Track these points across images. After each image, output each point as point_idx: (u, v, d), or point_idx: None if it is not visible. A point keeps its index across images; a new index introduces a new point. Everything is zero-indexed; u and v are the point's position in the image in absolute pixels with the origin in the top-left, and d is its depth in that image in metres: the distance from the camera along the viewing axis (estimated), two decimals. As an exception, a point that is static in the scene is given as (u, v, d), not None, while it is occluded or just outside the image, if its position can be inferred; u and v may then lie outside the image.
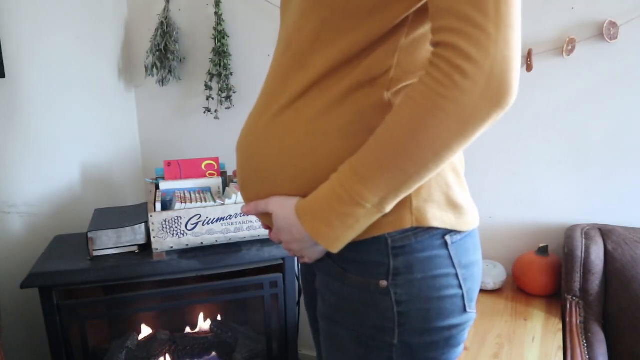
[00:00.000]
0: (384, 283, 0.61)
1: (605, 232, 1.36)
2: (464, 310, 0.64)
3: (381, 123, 0.56)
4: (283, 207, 0.63)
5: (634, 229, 1.36)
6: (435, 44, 0.51)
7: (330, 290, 0.66)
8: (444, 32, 0.49)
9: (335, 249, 0.60)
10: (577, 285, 1.32)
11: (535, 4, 1.39)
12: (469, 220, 0.65)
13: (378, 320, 0.62)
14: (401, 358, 0.63)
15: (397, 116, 0.53)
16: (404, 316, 0.61)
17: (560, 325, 1.30)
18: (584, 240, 1.34)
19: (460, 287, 0.63)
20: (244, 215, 1.35)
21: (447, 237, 0.62)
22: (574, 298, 1.32)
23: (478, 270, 0.66)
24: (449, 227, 0.62)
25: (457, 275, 0.62)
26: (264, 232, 1.40)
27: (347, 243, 0.60)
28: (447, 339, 0.63)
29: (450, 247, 0.62)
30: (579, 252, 1.33)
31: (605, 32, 1.33)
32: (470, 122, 0.50)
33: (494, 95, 0.48)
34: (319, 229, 0.59)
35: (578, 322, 1.28)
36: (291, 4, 0.65)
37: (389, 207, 0.57)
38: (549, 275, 1.42)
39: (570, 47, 1.38)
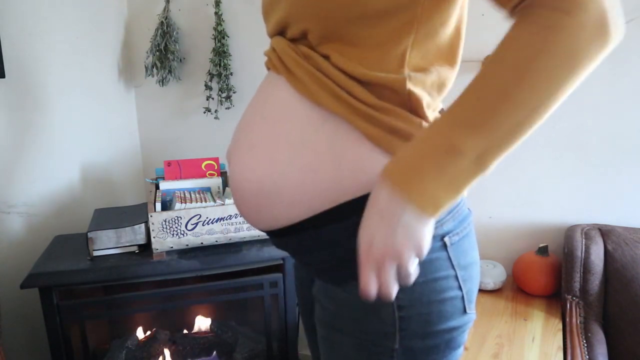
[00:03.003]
0: None
1: (605, 232, 1.36)
2: (464, 311, 0.63)
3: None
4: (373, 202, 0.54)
5: (634, 229, 1.36)
6: (519, 4, 0.50)
7: (329, 297, 0.66)
8: None
9: (428, 210, 0.51)
10: (577, 285, 1.32)
11: (535, 4, 1.39)
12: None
13: (379, 325, 0.61)
14: None
15: (503, 59, 0.50)
16: (405, 321, 0.61)
17: (560, 325, 1.30)
18: (584, 240, 1.34)
19: (460, 288, 0.62)
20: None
21: (446, 239, 0.61)
22: (574, 298, 1.32)
23: (476, 271, 0.66)
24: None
25: (456, 276, 0.62)
26: (264, 233, 1.40)
27: (442, 209, 0.52)
28: (448, 342, 0.63)
29: (449, 249, 0.62)
30: (579, 252, 1.33)
31: (605, 32, 1.32)
32: (580, 58, 0.48)
33: (602, 30, 0.49)
34: (411, 185, 0.51)
35: (578, 322, 1.28)
36: (280, 5, 0.65)
37: (490, 164, 0.51)
38: (549, 275, 1.42)
39: (570, 47, 1.38)
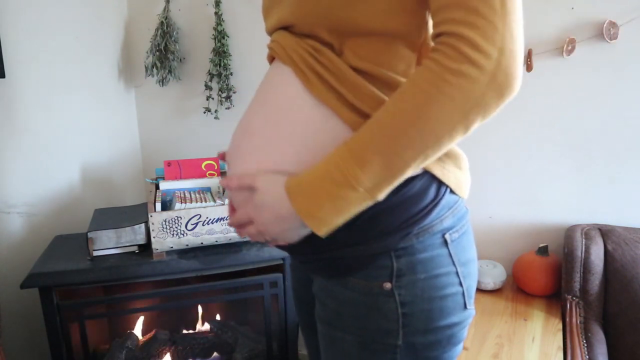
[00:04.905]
0: (387, 285, 0.61)
1: (605, 232, 1.36)
2: (465, 307, 0.64)
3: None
4: (273, 183, 0.60)
5: (634, 229, 1.36)
6: (440, 34, 0.52)
7: (331, 294, 0.66)
8: (451, 23, 0.50)
9: (322, 232, 0.58)
10: (577, 285, 1.32)
11: (536, 4, 1.39)
12: (465, 188, 0.67)
13: (382, 322, 0.62)
14: (405, 359, 0.63)
15: (400, 101, 0.53)
16: (408, 317, 0.61)
17: (560, 325, 1.30)
18: (584, 240, 1.34)
19: (461, 284, 0.63)
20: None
21: (447, 236, 0.62)
22: (574, 298, 1.32)
23: (475, 267, 0.68)
24: (454, 186, 0.63)
25: (457, 273, 0.63)
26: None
27: (333, 227, 0.58)
28: (449, 337, 0.64)
29: (449, 246, 0.63)
30: (579, 252, 1.33)
31: (605, 32, 1.32)
32: (473, 111, 0.50)
33: (499, 86, 0.50)
34: (309, 209, 0.57)
35: (578, 322, 1.28)
36: (282, 6, 0.65)
37: (380, 195, 0.56)
38: (549, 275, 1.42)
39: (570, 47, 1.38)
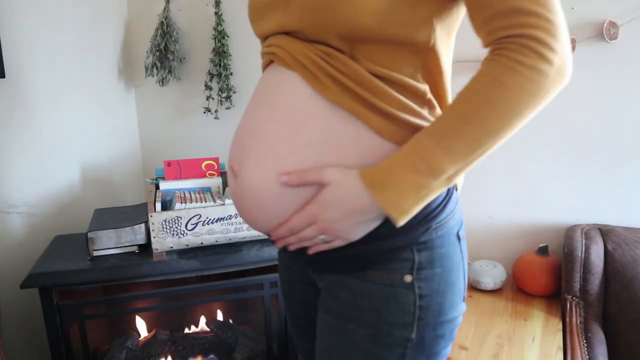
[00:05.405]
0: (408, 278, 0.62)
1: (605, 232, 1.36)
2: (462, 301, 0.68)
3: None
4: (346, 176, 0.59)
5: (634, 229, 1.36)
6: (505, 37, 0.55)
7: (346, 287, 0.66)
8: (515, 27, 0.54)
9: (403, 221, 0.58)
10: (577, 285, 1.32)
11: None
12: (461, 184, 0.71)
13: (399, 315, 0.63)
14: (414, 353, 0.64)
15: (477, 91, 0.56)
16: (423, 310, 0.63)
17: (560, 325, 1.30)
18: (584, 240, 1.34)
19: (464, 279, 0.67)
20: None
21: (460, 233, 0.66)
22: (574, 298, 1.32)
23: (467, 264, 0.72)
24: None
25: (463, 268, 0.67)
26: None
27: (410, 216, 0.59)
28: (450, 332, 0.66)
29: (461, 242, 0.66)
30: (579, 252, 1.33)
31: (605, 32, 1.33)
32: (542, 100, 0.56)
33: (562, 77, 0.56)
34: (394, 200, 0.57)
35: (578, 322, 1.28)
36: (286, 12, 0.63)
37: (455, 181, 0.59)
38: (549, 275, 1.42)
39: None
